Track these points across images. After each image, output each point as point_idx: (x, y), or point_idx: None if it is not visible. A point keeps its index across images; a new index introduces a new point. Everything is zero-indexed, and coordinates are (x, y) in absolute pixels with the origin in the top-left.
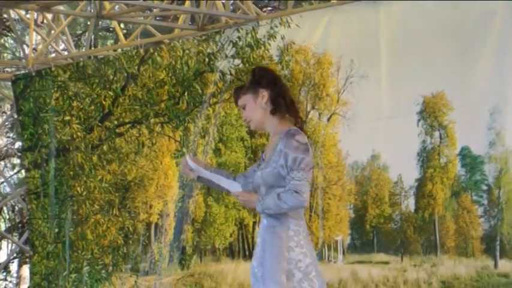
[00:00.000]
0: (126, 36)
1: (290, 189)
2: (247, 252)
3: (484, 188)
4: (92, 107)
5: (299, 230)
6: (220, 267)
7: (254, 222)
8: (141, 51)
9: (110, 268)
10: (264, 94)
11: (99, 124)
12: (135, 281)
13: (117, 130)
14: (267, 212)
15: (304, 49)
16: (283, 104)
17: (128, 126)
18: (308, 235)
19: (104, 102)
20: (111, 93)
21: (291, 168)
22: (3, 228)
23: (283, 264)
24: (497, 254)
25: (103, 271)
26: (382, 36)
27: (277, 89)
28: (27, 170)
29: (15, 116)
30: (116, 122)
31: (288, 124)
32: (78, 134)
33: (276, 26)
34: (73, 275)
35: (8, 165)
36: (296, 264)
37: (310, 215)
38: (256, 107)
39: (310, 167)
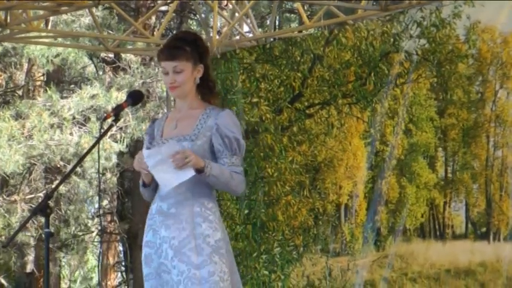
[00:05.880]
0: (309, 17)
1: (240, 175)
2: (438, 233)
3: None
4: (281, 89)
5: (207, 206)
6: (411, 248)
7: (445, 202)
8: (326, 32)
9: (301, 249)
10: (200, 69)
11: (289, 105)
12: (326, 262)
13: (306, 111)
14: (209, 181)
15: (490, 28)
16: (211, 83)
17: (317, 107)
18: (218, 211)
19: (293, 84)
20: (299, 74)
21: (234, 152)
22: None
23: (190, 239)
24: None
25: (294, 252)
26: None
27: (209, 67)
28: None
29: None
30: (306, 103)
31: (205, 101)
32: (267, 115)
33: (460, 6)
34: (263, 256)
35: None
36: (204, 239)
37: (501, 195)
38: (191, 78)
39: None
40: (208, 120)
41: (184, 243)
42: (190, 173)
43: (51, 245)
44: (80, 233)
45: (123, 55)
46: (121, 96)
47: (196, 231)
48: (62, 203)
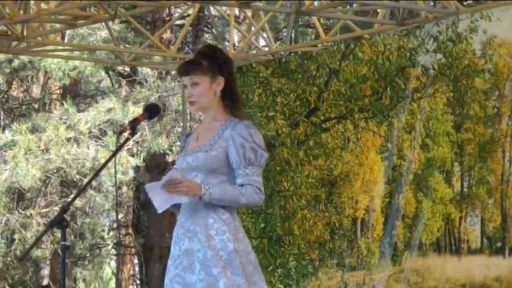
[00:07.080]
0: (325, 31)
1: (252, 185)
2: (453, 248)
3: None
4: (297, 103)
5: (221, 217)
6: (427, 263)
7: (460, 217)
8: (342, 46)
9: (317, 263)
10: (220, 82)
11: (305, 119)
12: (342, 276)
13: (323, 125)
14: (214, 203)
15: (507, 43)
16: (234, 94)
17: (333, 121)
18: (234, 221)
19: (309, 98)
20: (315, 88)
21: (249, 162)
22: None
23: (206, 249)
24: None
25: (309, 266)
26: None
27: (232, 78)
28: None
29: None
30: (322, 118)
31: (229, 114)
32: (283, 129)
33: (477, 20)
34: (279, 270)
35: None
36: (217, 252)
37: None
38: (209, 92)
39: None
40: (225, 131)
41: (201, 253)
42: (183, 199)
43: (66, 260)
44: (96, 246)
45: (139, 69)
46: (138, 110)
47: (210, 242)
48: (77, 217)
